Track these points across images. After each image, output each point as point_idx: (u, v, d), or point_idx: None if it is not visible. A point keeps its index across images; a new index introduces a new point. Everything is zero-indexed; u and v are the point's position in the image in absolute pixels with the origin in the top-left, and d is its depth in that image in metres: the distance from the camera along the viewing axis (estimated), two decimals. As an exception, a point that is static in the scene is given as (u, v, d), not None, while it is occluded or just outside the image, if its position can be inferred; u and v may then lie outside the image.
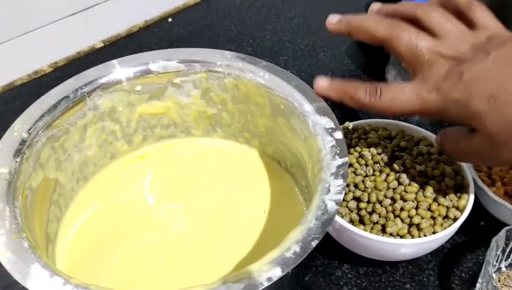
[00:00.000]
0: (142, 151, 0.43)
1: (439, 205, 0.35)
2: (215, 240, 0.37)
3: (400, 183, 0.36)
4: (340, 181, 0.30)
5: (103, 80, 0.38)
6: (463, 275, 0.38)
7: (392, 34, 0.31)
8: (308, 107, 0.35)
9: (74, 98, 0.37)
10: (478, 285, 0.35)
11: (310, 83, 0.53)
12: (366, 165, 0.37)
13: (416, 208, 0.35)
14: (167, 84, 0.40)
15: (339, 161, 0.31)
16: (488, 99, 0.28)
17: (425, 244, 0.34)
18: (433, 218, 0.35)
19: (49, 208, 0.36)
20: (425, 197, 0.35)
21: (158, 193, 0.40)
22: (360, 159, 0.38)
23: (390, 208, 0.34)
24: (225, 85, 0.40)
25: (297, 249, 0.26)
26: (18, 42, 0.53)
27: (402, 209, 0.34)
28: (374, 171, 0.37)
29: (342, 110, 0.50)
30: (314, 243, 0.27)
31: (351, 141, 0.39)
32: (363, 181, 0.36)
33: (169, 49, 0.40)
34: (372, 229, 0.35)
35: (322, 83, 0.34)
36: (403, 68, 0.49)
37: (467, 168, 0.37)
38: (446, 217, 0.35)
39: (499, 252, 0.35)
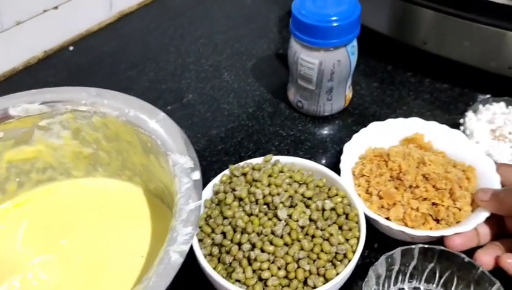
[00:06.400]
0: (21, 198, 0.40)
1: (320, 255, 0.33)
2: (91, 292, 0.35)
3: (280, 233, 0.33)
4: (189, 229, 0.28)
5: (-44, 131, 0.35)
6: (354, 304, 0.36)
7: None
8: (170, 145, 0.33)
9: None
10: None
11: (211, 107, 0.52)
12: (257, 202, 0.35)
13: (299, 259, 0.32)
14: (33, 127, 0.38)
15: (192, 206, 0.29)
16: None
17: None
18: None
19: None
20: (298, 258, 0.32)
21: (31, 245, 0.38)
22: (251, 195, 0.35)
23: (265, 257, 0.32)
24: (94, 124, 0.37)
25: (130, 314, 0.24)
26: None
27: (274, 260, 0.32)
28: (259, 211, 0.34)
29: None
30: (150, 305, 0.25)
31: (259, 172, 0.37)
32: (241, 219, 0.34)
33: (31, 90, 0.38)
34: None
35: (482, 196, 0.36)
36: (301, 86, 0.48)
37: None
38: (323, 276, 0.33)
39: (381, 280, 0.34)
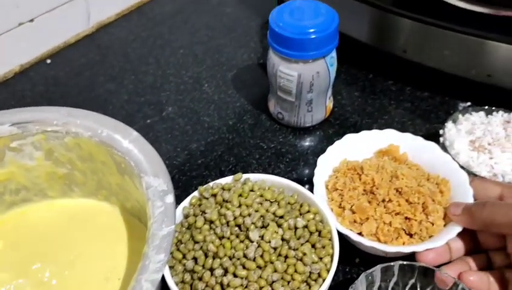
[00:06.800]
0: (-6, 221, 0.39)
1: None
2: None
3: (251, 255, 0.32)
4: (161, 256, 0.27)
5: None
6: (335, 321, 0.36)
7: None
8: (144, 166, 0.33)
9: None
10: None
11: (191, 120, 0.51)
12: (228, 224, 0.34)
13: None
14: (4, 149, 0.37)
15: (164, 231, 0.28)
16: None
17: None
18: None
19: None
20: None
21: (5, 270, 0.36)
22: (221, 217, 0.34)
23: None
24: (66, 145, 0.36)
25: None
26: None
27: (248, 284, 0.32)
28: (230, 234, 0.34)
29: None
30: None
31: (229, 192, 0.36)
32: (213, 243, 0.33)
33: (1, 111, 0.37)
34: None
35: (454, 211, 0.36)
36: (281, 98, 0.48)
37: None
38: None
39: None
